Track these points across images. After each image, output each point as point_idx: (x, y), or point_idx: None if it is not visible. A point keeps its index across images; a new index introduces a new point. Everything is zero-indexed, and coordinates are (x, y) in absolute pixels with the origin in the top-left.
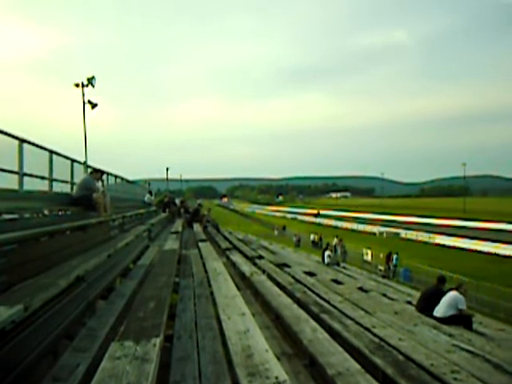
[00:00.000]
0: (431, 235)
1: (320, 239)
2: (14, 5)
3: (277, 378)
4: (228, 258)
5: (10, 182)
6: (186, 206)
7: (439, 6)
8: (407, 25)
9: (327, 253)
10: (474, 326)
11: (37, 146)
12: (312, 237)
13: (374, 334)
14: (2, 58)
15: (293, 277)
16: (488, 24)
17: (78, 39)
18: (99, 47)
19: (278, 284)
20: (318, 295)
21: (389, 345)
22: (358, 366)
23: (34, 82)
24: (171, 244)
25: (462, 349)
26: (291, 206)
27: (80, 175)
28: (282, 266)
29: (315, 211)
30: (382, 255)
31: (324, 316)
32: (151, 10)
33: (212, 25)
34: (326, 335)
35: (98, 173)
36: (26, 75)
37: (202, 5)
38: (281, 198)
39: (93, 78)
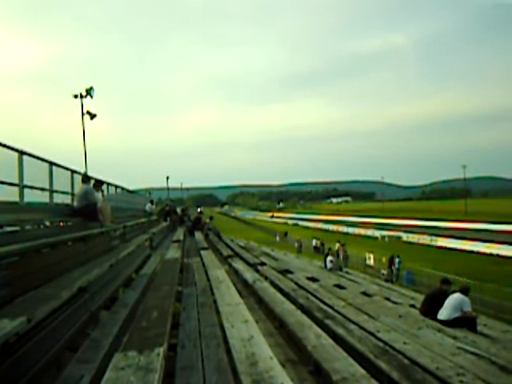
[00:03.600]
0: (433, 238)
1: (322, 244)
2: (12, 16)
3: None
4: (230, 265)
5: (11, 195)
6: (187, 214)
7: (438, 8)
8: (405, 28)
9: (329, 258)
10: (479, 328)
11: (36, 157)
12: (314, 242)
13: (379, 339)
14: (1, 70)
15: (296, 283)
16: (488, 25)
17: (76, 50)
18: (97, 57)
19: (281, 290)
20: (321, 301)
21: (393, 349)
22: (363, 371)
23: (33, 93)
24: (173, 253)
25: (467, 351)
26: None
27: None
28: (284, 272)
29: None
30: (384, 259)
31: (328, 321)
32: (149, 20)
33: (210, 34)
34: (331, 341)
35: (97, 183)
36: (25, 86)
37: (201, 14)
38: (282, 204)
39: (91, 88)
